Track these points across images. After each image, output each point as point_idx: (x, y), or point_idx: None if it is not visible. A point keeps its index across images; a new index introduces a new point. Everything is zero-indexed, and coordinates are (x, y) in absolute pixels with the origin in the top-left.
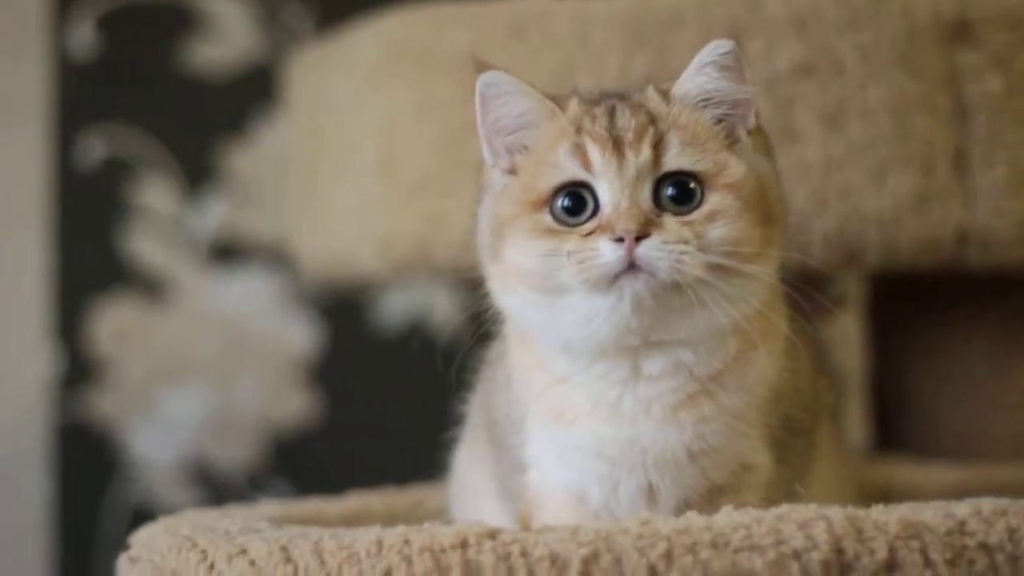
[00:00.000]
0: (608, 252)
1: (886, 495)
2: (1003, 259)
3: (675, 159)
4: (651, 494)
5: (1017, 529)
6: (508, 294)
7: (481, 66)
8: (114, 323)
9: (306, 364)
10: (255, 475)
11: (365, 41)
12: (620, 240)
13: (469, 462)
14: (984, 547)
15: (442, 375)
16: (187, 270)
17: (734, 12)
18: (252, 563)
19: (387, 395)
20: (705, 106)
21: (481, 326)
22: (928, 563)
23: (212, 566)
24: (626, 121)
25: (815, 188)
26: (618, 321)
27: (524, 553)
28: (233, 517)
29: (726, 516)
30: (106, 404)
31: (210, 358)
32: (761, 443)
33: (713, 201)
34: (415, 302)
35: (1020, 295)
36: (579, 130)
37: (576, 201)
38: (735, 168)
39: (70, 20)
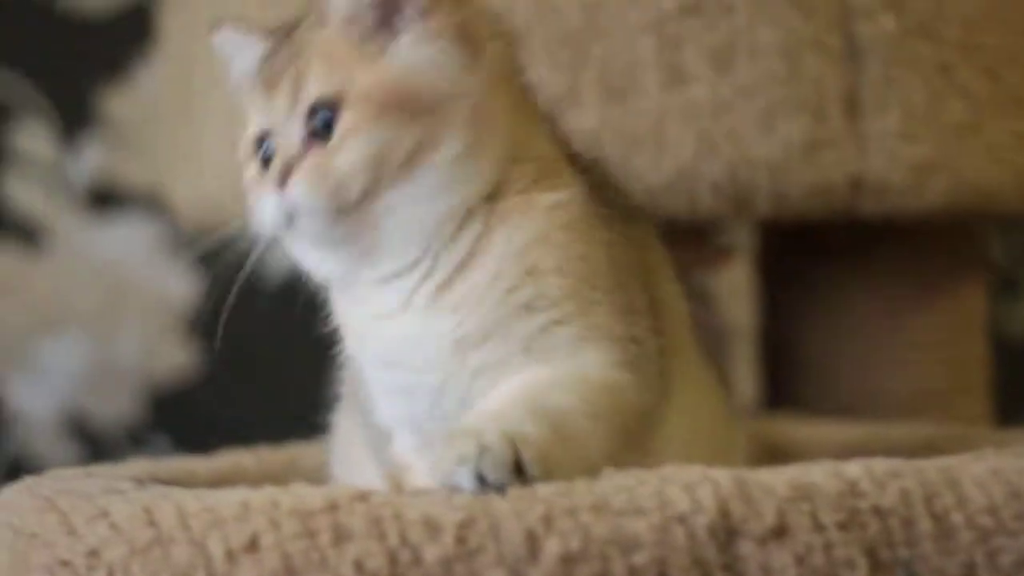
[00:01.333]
0: (270, 207)
1: (777, 454)
2: (897, 206)
3: (310, 90)
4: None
5: (911, 491)
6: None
7: (215, 25)
8: None
9: (186, 315)
10: (135, 430)
11: None
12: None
13: (349, 428)
14: (877, 510)
15: (323, 327)
16: (64, 217)
17: None
18: (113, 526)
19: (268, 347)
20: (351, 21)
21: None
22: (818, 527)
23: (72, 529)
24: (277, 62)
25: (703, 131)
26: (322, 260)
27: (397, 516)
28: (97, 477)
29: (609, 479)
30: None
31: (89, 309)
32: (581, 341)
33: (344, 121)
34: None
35: (914, 245)
36: (259, 75)
37: (264, 153)
38: (364, 79)
39: None
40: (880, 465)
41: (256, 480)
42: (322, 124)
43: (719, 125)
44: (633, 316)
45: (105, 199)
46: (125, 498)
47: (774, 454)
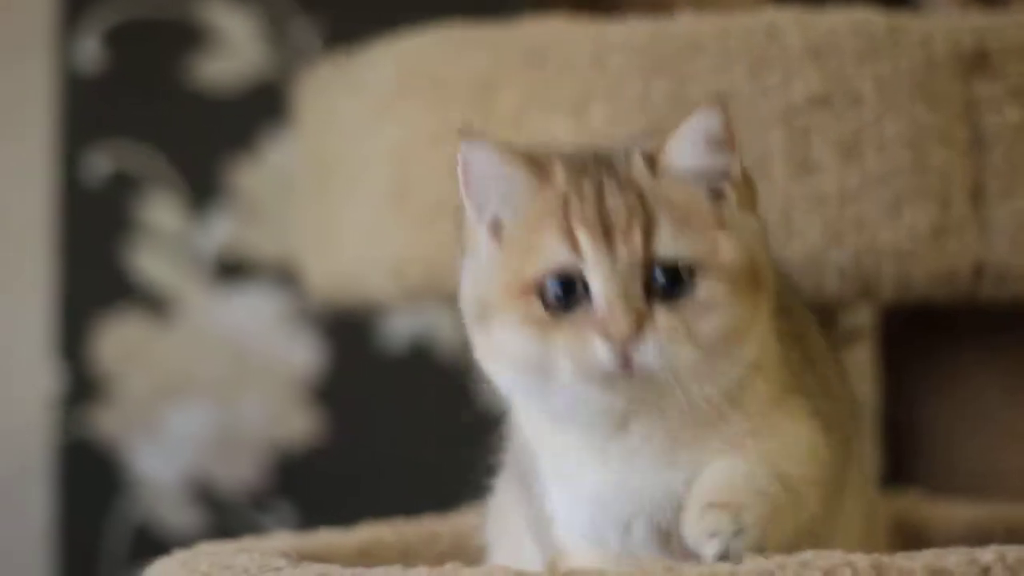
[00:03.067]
0: (602, 353)
1: (903, 533)
2: (1019, 292)
3: (666, 246)
4: (666, 536)
5: None
6: (495, 366)
7: (466, 134)
8: (118, 340)
9: (311, 384)
10: (259, 495)
11: (379, 63)
12: (615, 342)
13: (509, 500)
14: None
15: (447, 397)
16: (192, 287)
17: (752, 41)
18: None
19: (392, 416)
20: (694, 180)
21: None
22: None
23: None
24: (615, 202)
25: (830, 220)
26: (607, 408)
27: None
28: (250, 552)
29: (751, 562)
30: (109, 421)
31: (214, 377)
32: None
33: (704, 289)
34: (420, 322)
35: None
36: (566, 210)
37: (567, 289)
38: (726, 250)
39: (77, 33)
40: (1013, 552)
41: (397, 554)
42: (668, 284)
43: (846, 213)
44: (814, 398)
45: (231, 270)
46: None
47: (901, 532)
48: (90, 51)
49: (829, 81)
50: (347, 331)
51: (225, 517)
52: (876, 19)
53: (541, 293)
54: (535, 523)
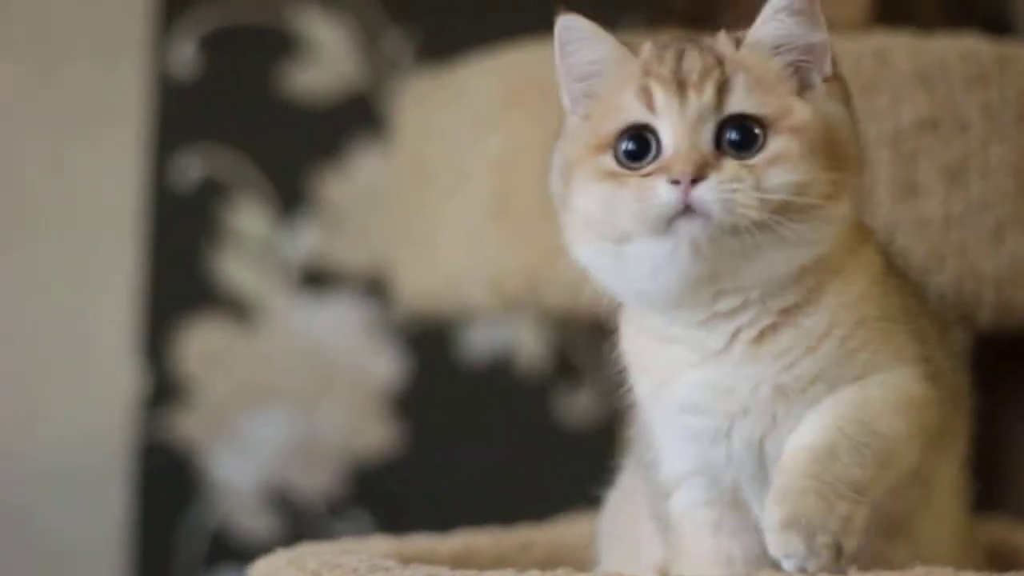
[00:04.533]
0: (664, 194)
1: (994, 559)
2: None
3: (739, 102)
4: (760, 448)
5: None
6: (580, 244)
7: (561, 9)
8: (201, 344)
9: (390, 394)
10: (335, 504)
11: (482, 75)
12: (677, 182)
13: (630, 489)
14: None
15: (527, 410)
16: (276, 294)
17: (861, 63)
18: None
19: (470, 428)
20: (776, 52)
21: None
22: None
23: None
24: (692, 63)
25: (933, 244)
26: (680, 268)
27: None
28: (356, 553)
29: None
30: (190, 425)
31: (295, 384)
32: (887, 363)
33: (775, 145)
34: (500, 335)
35: None
36: (647, 73)
37: (639, 143)
38: (800, 112)
39: (172, 38)
40: None
41: (491, 560)
42: (739, 138)
43: (949, 238)
44: (925, 343)
45: (316, 279)
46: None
47: (991, 558)
48: (185, 56)
49: (937, 106)
50: (428, 343)
51: (301, 524)
52: (984, 47)
53: (615, 148)
54: (652, 499)
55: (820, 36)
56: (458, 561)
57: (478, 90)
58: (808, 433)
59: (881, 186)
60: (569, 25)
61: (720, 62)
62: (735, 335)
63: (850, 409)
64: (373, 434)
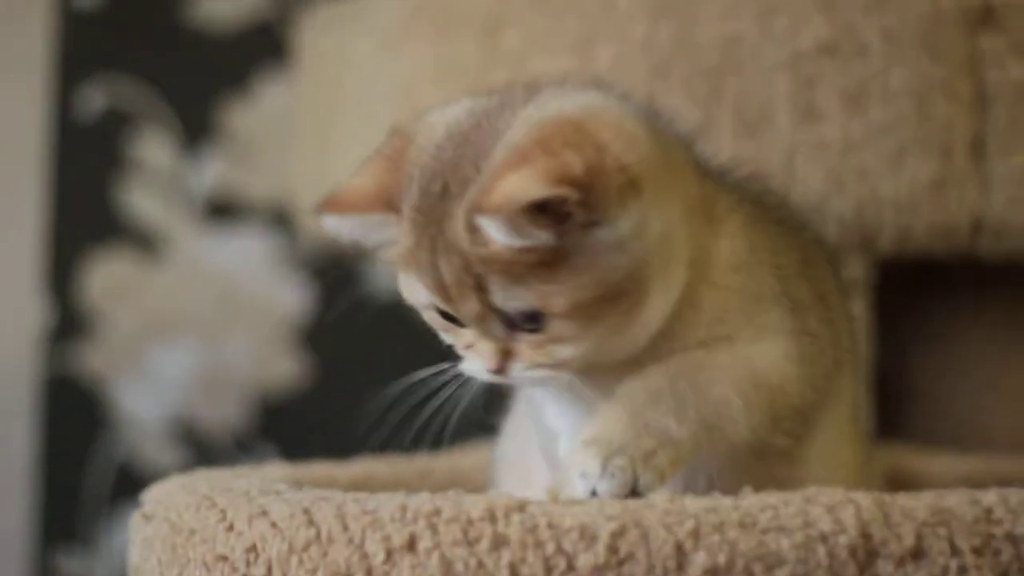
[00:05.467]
0: (484, 371)
1: (895, 484)
2: (1017, 248)
3: (502, 301)
4: None
5: None
6: None
7: (315, 211)
8: (107, 277)
9: (297, 326)
10: (242, 437)
11: (384, 2)
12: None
13: (521, 424)
14: (1011, 537)
15: (432, 342)
16: (182, 226)
17: None
18: (273, 524)
19: (377, 360)
20: (514, 252)
21: None
22: (955, 551)
23: (232, 526)
24: (445, 269)
25: (833, 168)
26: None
27: (551, 525)
28: (249, 477)
29: (754, 497)
30: (96, 359)
31: (201, 317)
32: (764, 331)
33: (554, 327)
34: None
35: None
36: (416, 267)
37: (446, 314)
38: (562, 297)
39: None
40: (1014, 495)
41: (391, 486)
42: (522, 316)
43: (848, 163)
44: (803, 312)
45: (223, 210)
46: (283, 498)
47: (893, 483)
48: None
49: (836, 30)
50: (336, 275)
51: (208, 457)
52: None
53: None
54: (541, 437)
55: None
56: (355, 486)
57: (380, 15)
58: (646, 374)
59: (780, 110)
60: (329, 224)
61: (467, 265)
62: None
63: (690, 367)
64: (280, 367)
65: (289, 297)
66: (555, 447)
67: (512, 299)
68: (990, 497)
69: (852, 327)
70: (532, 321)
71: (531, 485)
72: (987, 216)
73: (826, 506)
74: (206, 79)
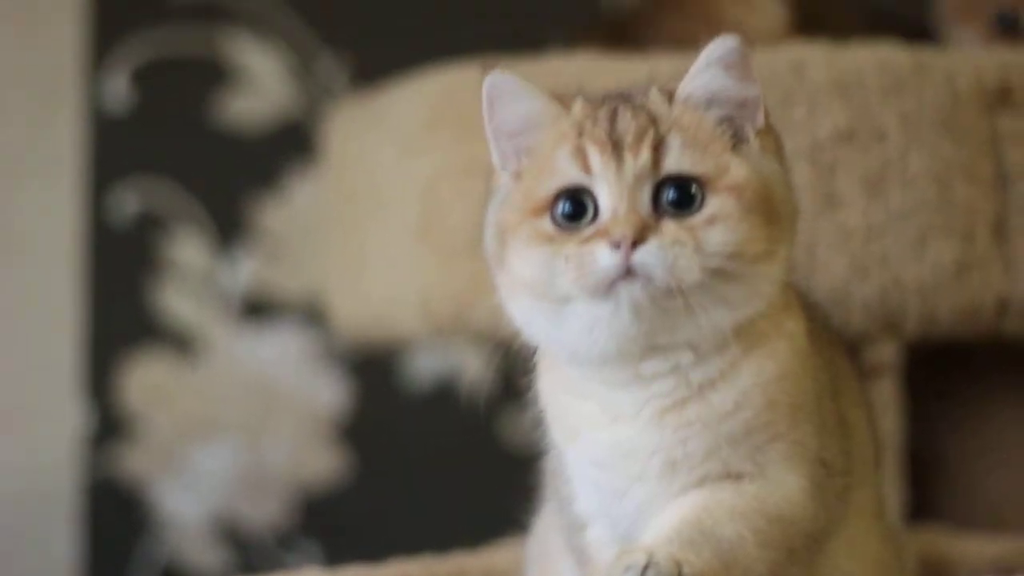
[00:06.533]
0: (604, 258)
1: (929, 567)
2: None
3: (675, 162)
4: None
5: None
6: (515, 302)
7: (488, 67)
8: (145, 379)
9: (335, 422)
10: (284, 535)
11: (407, 99)
12: (617, 246)
13: (548, 522)
14: None
15: (472, 435)
16: (218, 326)
17: (777, 75)
18: None
19: (417, 454)
20: (709, 107)
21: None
22: None
23: None
24: (627, 123)
25: (855, 255)
26: (618, 328)
27: None
28: None
29: None
30: (136, 460)
31: (240, 415)
32: (781, 459)
33: (713, 204)
34: (445, 361)
35: None
36: (580, 133)
37: (576, 206)
38: (737, 170)
39: (105, 73)
40: None
41: None
42: (677, 198)
43: (871, 249)
44: (826, 438)
45: (257, 309)
46: None
47: (926, 567)
48: (118, 90)
49: (854, 116)
50: (372, 370)
51: (250, 556)
52: (901, 55)
53: (552, 211)
54: (567, 530)
55: (752, 90)
56: None
57: (402, 113)
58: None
59: (801, 199)
60: (497, 82)
61: (654, 121)
62: (647, 401)
63: (694, 512)
64: (319, 463)
65: (325, 393)
66: (582, 538)
67: (690, 159)
68: None
69: (873, 420)
70: (685, 207)
71: None
72: (1011, 296)
73: None
74: (237, 178)
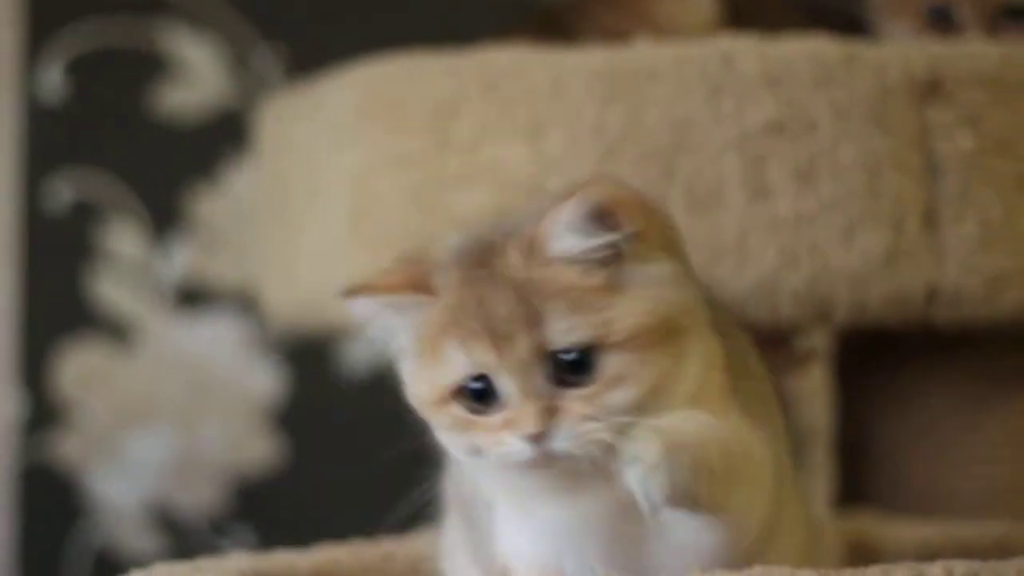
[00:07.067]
0: (519, 450)
1: (855, 552)
2: (972, 316)
3: (559, 336)
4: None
5: None
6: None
7: (347, 293)
8: (79, 367)
9: (270, 410)
10: (219, 521)
11: (338, 90)
12: (528, 440)
13: (456, 541)
14: None
15: (408, 421)
16: (153, 315)
17: (707, 68)
18: None
19: (351, 442)
20: (579, 259)
21: None
22: None
23: None
24: (497, 307)
25: (785, 244)
26: (548, 477)
27: None
28: (206, 573)
29: None
30: (70, 448)
31: (175, 403)
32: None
33: (610, 365)
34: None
35: (988, 351)
36: (458, 324)
37: (480, 392)
38: (624, 320)
39: (39, 64)
40: (960, 567)
41: (353, 574)
42: (572, 366)
43: (801, 237)
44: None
45: (193, 297)
46: None
47: (854, 552)
48: (53, 81)
49: (784, 108)
50: (307, 358)
51: (185, 542)
52: (831, 47)
53: (459, 399)
54: (476, 541)
55: (628, 226)
56: (317, 575)
57: (334, 104)
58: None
59: (731, 189)
60: (359, 307)
61: (524, 298)
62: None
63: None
64: (254, 450)
65: (261, 381)
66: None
67: (570, 330)
68: (935, 571)
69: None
70: (582, 372)
71: None
72: (941, 285)
73: None
74: (173, 169)
